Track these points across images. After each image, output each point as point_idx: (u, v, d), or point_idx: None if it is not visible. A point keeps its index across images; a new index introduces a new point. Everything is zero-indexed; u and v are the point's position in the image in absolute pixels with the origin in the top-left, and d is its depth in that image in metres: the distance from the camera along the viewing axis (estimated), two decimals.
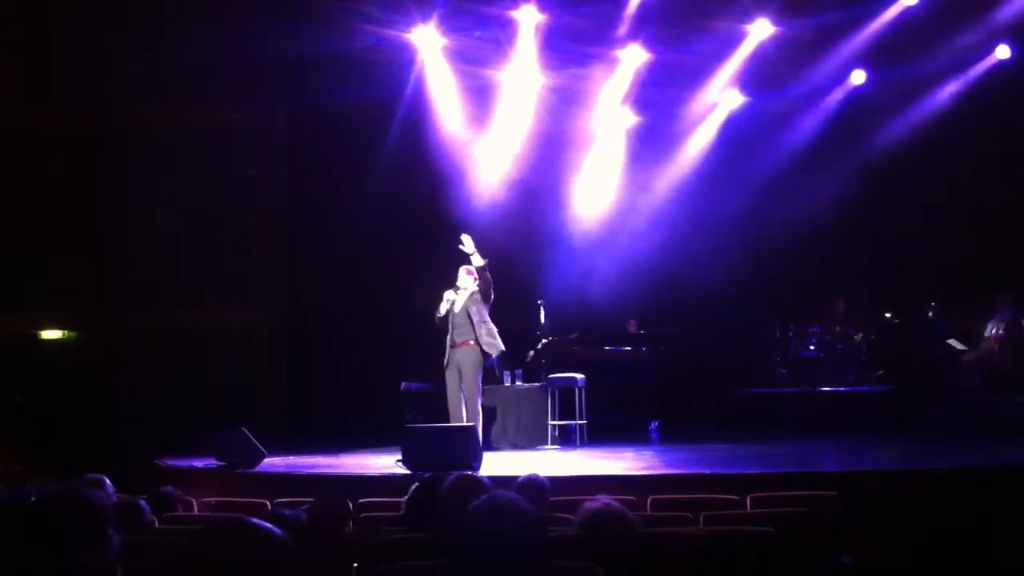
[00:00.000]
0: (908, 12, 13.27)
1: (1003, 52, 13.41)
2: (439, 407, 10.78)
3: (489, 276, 10.21)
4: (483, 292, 10.24)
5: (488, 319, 10.25)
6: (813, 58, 14.22)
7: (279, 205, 14.94)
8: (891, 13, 13.39)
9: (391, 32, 13.88)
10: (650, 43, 14.41)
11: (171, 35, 12.83)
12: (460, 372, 10.17)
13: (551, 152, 15.29)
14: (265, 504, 6.94)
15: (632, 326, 14.53)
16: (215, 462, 9.77)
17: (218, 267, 14.58)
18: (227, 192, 14.77)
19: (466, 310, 10.19)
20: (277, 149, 14.98)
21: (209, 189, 14.54)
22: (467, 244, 10.16)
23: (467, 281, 10.31)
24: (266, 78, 14.02)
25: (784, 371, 14.32)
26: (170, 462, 10.47)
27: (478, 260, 10.11)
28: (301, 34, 13.23)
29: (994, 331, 12.34)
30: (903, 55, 13.81)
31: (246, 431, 9.66)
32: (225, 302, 14.71)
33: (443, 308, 10.25)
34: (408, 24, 13.97)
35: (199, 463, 9.99)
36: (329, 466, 9.92)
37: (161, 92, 13.88)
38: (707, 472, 8.43)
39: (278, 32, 13.29)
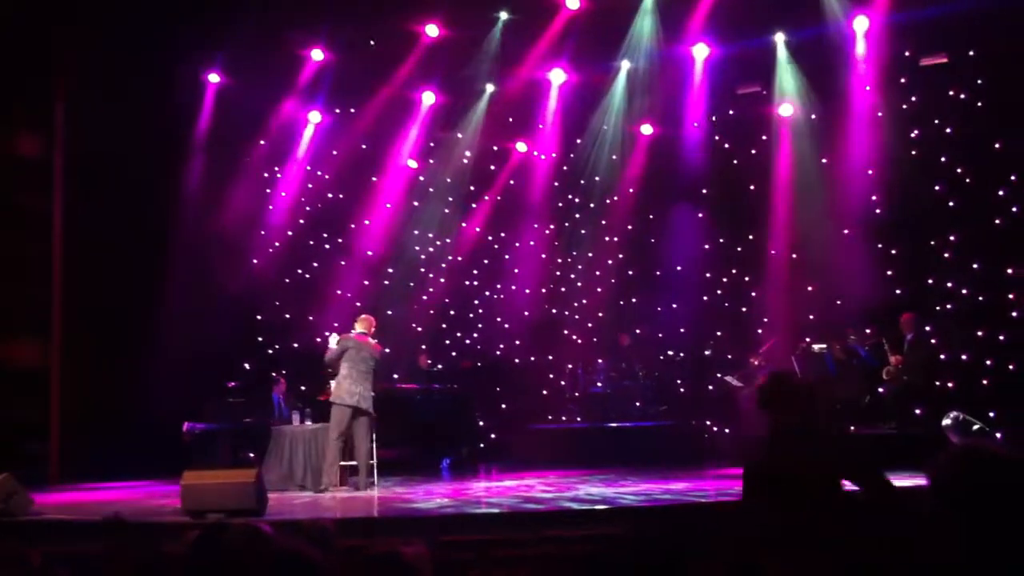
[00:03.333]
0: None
1: (786, 110, 14.20)
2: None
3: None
4: None
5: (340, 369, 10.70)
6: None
7: (68, 234, 14.06)
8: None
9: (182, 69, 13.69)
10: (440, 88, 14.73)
11: None
12: None
13: (337, 188, 15.33)
14: (34, 555, 6.43)
15: (424, 361, 14.53)
16: None
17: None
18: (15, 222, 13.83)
19: None
20: (64, 178, 14.12)
21: None
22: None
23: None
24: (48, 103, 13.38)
25: (573, 407, 14.64)
26: None
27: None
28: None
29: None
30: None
31: (11, 476, 8.98)
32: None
33: None
34: (198, 62, 13.82)
35: None
36: (102, 511, 9.34)
37: None
38: (496, 511, 8.46)
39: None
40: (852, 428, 11.98)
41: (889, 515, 4.13)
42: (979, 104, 13.22)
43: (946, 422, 10.55)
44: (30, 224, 13.66)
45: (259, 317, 14.75)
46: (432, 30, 13.79)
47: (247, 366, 14.20)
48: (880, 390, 12.39)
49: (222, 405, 12.47)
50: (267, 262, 14.77)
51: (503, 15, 13.78)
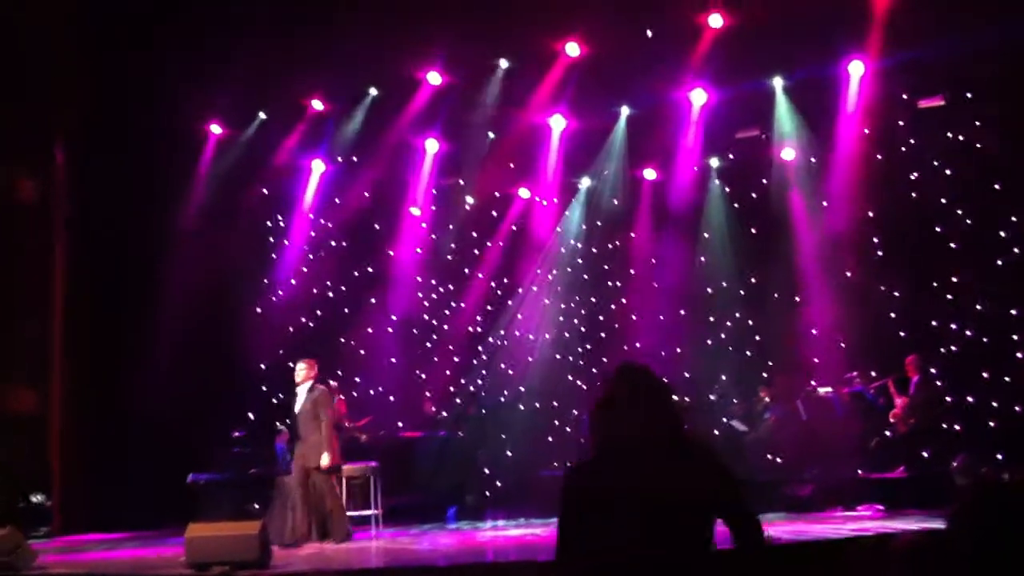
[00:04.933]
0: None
1: (788, 154, 14.25)
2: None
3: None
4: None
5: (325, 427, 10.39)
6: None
7: (69, 281, 14.06)
8: None
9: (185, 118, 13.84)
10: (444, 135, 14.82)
11: None
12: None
13: (340, 236, 15.38)
14: None
15: (429, 408, 14.49)
16: None
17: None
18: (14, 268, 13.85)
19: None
20: (64, 225, 14.14)
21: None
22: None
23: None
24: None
25: (580, 453, 14.53)
26: None
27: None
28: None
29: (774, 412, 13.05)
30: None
31: (15, 530, 8.94)
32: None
33: None
34: (199, 110, 13.96)
35: None
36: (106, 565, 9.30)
37: None
38: (502, 560, 8.40)
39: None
40: (859, 472, 11.93)
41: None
42: (978, 145, 13.26)
43: (954, 465, 10.51)
44: (30, 270, 13.71)
45: (263, 366, 14.73)
46: (434, 78, 13.88)
47: (251, 416, 14.15)
48: (887, 433, 12.34)
49: (227, 455, 12.41)
50: (270, 310, 14.79)
51: (503, 62, 13.86)
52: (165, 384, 13.04)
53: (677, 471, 3.14)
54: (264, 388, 14.65)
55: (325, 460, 10.12)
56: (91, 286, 13.57)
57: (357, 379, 14.64)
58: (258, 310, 14.70)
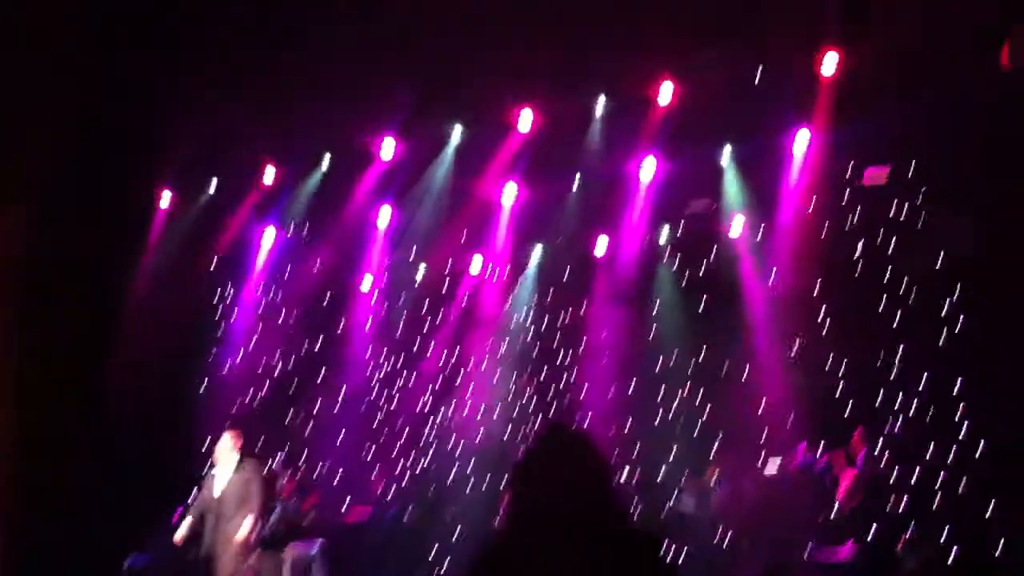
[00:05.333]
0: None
1: (735, 229, 14.28)
2: None
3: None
4: None
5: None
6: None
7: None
8: None
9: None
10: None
11: None
12: None
13: (291, 306, 15.24)
14: None
15: (377, 486, 14.26)
16: None
17: None
18: None
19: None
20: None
21: None
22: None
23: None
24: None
25: None
26: None
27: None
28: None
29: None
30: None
31: None
32: None
33: None
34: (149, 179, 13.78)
35: None
36: None
37: None
38: None
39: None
40: (808, 549, 11.80)
41: None
42: (922, 216, 13.30)
43: (901, 545, 10.42)
44: None
45: (207, 442, 14.46)
46: (388, 148, 13.82)
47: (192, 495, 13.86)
48: (835, 509, 12.23)
49: (167, 538, 12.08)
50: (217, 387, 14.57)
51: (456, 132, 13.85)
52: (105, 462, 12.70)
53: (601, 561, 2.66)
54: (206, 467, 14.37)
55: (243, 531, 9.76)
56: (44, 354, 13.30)
57: (304, 455, 14.40)
58: (204, 386, 14.47)
